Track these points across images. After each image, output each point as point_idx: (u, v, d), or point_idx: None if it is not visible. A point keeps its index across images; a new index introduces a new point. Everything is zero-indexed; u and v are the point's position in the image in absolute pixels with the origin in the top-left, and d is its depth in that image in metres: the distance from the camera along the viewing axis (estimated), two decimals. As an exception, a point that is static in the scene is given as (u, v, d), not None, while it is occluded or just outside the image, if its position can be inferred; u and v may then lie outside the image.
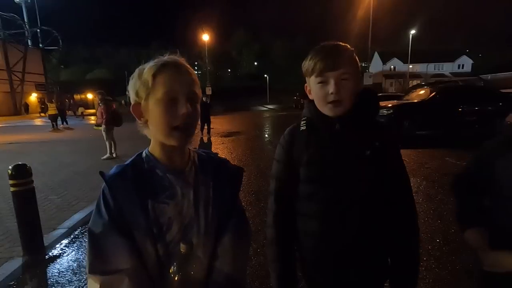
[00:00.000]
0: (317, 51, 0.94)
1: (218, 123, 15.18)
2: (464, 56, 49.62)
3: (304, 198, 1.01)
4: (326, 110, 0.94)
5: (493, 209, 1.00)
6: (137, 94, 0.71)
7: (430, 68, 46.50)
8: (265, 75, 49.91)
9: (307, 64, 0.95)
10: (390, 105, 8.67)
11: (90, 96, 39.31)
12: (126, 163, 0.74)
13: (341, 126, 0.95)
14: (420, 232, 1.01)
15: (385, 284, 1.02)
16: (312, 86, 0.96)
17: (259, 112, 26.15)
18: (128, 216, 0.66)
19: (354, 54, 0.95)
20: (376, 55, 51.32)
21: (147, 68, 0.69)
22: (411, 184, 1.01)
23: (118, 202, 0.67)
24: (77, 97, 39.07)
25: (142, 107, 0.71)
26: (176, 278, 0.64)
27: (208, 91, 28.60)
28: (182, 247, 0.65)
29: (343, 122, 0.95)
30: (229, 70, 72.49)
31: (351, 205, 0.96)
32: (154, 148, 0.75)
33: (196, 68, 71.91)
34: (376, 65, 50.13)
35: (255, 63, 71.56)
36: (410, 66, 31.93)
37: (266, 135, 11.08)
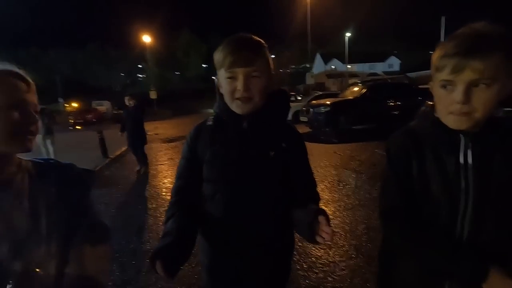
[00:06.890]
0: (228, 42, 0.86)
1: (164, 128, 14.57)
2: (393, 56, 55.49)
3: (206, 198, 0.94)
4: (234, 106, 0.88)
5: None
6: None
7: (365, 67, 50.85)
8: (214, 78, 49.53)
9: (217, 55, 0.87)
10: (328, 102, 9.21)
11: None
12: None
13: (248, 124, 0.90)
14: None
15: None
16: (221, 79, 0.88)
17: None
18: None
19: (267, 51, 0.90)
20: (318, 56, 54.52)
21: None
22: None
23: None
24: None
25: None
26: None
27: (153, 95, 26.83)
28: (19, 263, 0.63)
29: (251, 121, 0.90)
30: (177, 72, 70.29)
31: (252, 207, 0.90)
32: None
33: (140, 71, 68.10)
34: (319, 65, 53.22)
35: (204, 65, 70.60)
36: (348, 66, 34.52)
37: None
